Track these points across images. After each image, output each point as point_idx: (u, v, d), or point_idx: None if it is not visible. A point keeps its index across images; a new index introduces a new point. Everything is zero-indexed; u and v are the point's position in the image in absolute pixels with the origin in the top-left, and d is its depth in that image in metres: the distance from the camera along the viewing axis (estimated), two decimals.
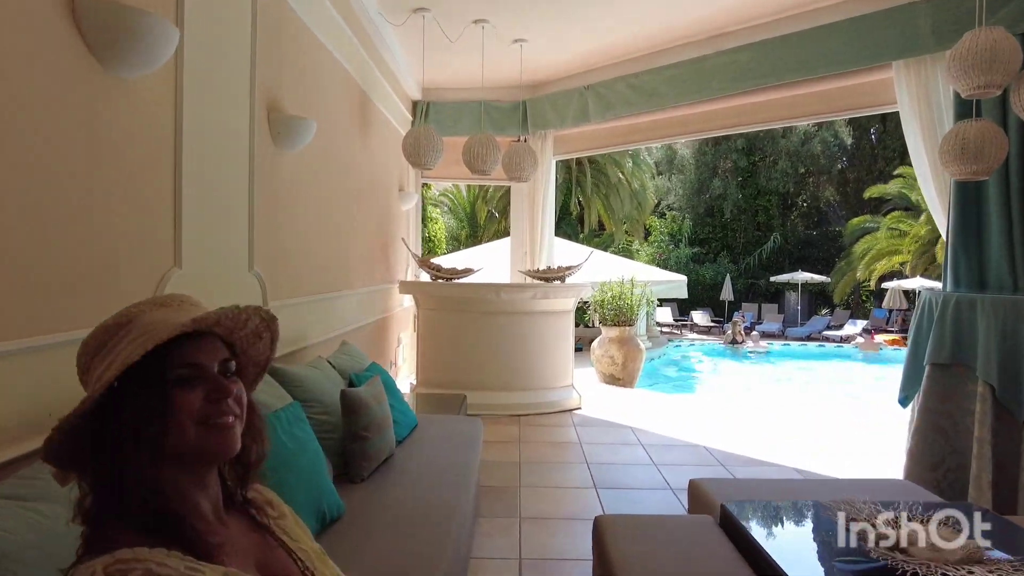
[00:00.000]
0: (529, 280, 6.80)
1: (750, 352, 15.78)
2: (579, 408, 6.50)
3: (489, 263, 11.00)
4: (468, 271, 6.52)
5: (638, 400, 7.28)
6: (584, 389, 6.91)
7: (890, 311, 24.27)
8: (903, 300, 22.74)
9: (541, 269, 6.83)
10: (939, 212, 4.41)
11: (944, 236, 4.22)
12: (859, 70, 4.94)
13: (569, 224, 24.42)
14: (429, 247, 17.61)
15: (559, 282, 6.56)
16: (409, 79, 6.94)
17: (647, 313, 12.06)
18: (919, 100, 4.44)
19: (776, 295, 28.37)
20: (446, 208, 23.81)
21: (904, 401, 4.22)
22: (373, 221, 5.84)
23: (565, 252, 11.31)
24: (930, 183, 4.41)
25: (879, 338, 17.15)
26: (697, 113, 6.46)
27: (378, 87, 5.75)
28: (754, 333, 16.51)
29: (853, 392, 11.46)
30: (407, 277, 7.18)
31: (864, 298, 27.36)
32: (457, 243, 23.47)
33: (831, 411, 7.28)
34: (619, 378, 8.65)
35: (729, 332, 15.91)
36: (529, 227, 7.78)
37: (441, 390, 5.97)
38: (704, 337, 21.72)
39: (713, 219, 29.62)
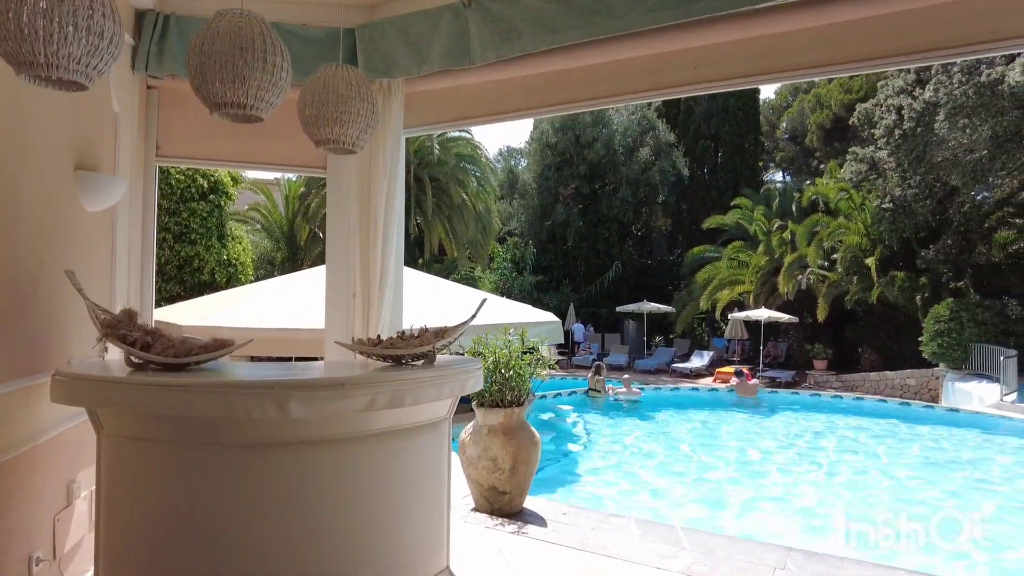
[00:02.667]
0: (359, 359, 3.36)
1: (622, 400, 13.33)
2: None
3: (308, 302, 7.30)
4: (223, 345, 2.83)
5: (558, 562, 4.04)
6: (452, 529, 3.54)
7: (729, 341, 23.54)
8: (744, 331, 21.93)
9: (384, 339, 3.31)
10: None
11: None
12: None
13: (407, 249, 20.92)
14: (229, 274, 13.25)
15: (422, 362, 3.18)
16: None
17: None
18: None
19: (615, 324, 26.87)
20: (258, 225, 19.28)
21: None
22: None
23: (422, 293, 7.86)
24: None
25: (753, 379, 15.53)
26: (676, 52, 3.45)
27: None
28: (625, 377, 14.12)
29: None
30: (94, 356, 3.26)
31: (698, 327, 26.65)
32: (271, 267, 19.00)
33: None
34: (504, 492, 5.34)
35: (595, 377, 13.35)
36: (360, 254, 4.30)
37: None
38: (557, 372, 19.14)
39: (556, 246, 27.61)
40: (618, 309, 23.77)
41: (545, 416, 10.35)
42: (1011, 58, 13.68)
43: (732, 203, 24.21)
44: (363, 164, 4.27)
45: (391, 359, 3.16)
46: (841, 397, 14.27)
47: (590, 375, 13.45)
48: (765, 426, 12.03)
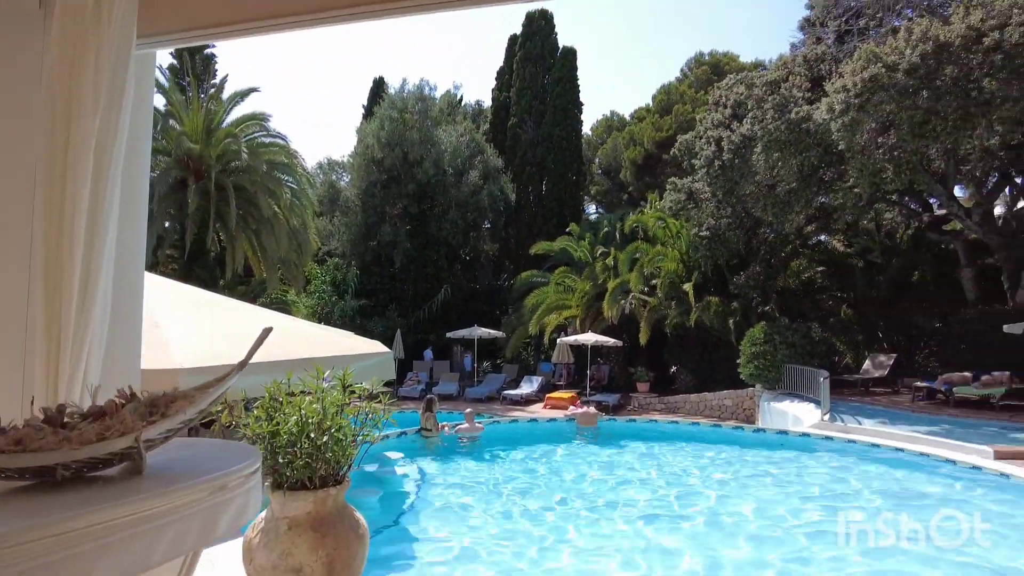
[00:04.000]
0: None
1: (463, 438, 11.71)
2: None
3: None
4: None
5: None
6: None
7: (555, 365, 23.10)
8: (570, 355, 21.56)
9: (72, 411, 1.44)
10: None
11: None
12: None
13: (204, 266, 17.80)
14: None
15: (118, 468, 1.40)
16: None
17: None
18: None
19: (443, 351, 25.45)
20: None
21: None
22: None
23: (200, 321, 5.66)
24: None
25: (589, 407, 14.73)
26: None
27: None
28: (468, 411, 12.51)
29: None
30: None
31: (524, 351, 26.08)
32: None
33: None
34: None
35: (426, 414, 11.61)
36: (45, 248, 2.34)
37: None
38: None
39: (381, 268, 25.61)
40: (449, 335, 22.33)
41: (369, 468, 8.41)
42: (816, 98, 14.56)
43: (565, 229, 24.08)
44: (60, 96, 2.36)
45: (27, 473, 1.35)
46: (677, 423, 14.06)
47: (421, 411, 11.75)
48: (614, 459, 11.17)
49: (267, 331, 1.78)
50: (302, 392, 3.93)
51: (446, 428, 11.94)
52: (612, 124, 42.52)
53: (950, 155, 14.45)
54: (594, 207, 40.32)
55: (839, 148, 13.12)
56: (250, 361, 1.82)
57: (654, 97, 36.04)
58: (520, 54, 28.02)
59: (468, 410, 12.46)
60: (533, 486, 8.94)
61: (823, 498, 8.39)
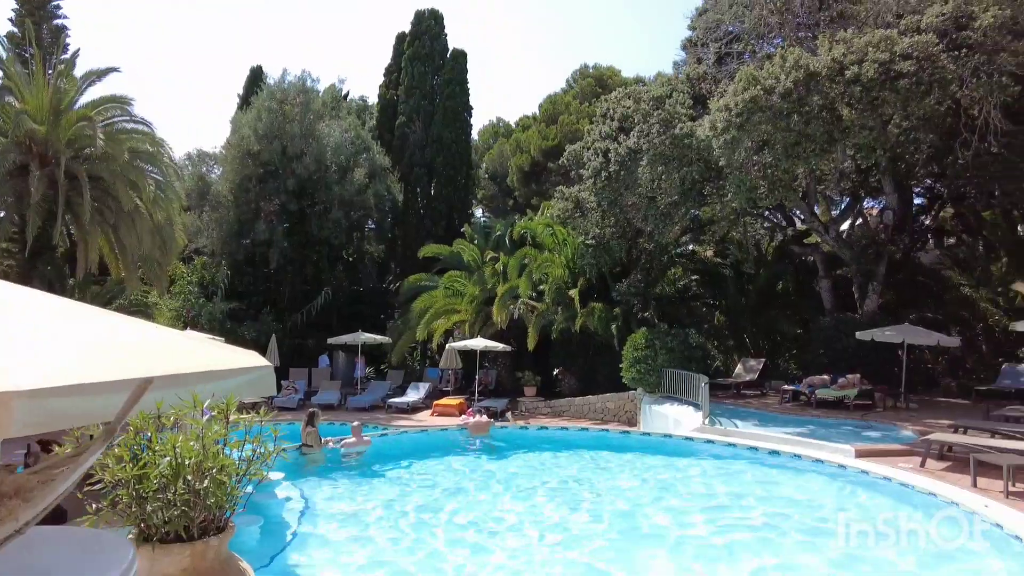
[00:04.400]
0: None
1: (350, 454, 10.89)
2: None
3: None
4: None
5: None
6: None
7: (443, 371, 22.65)
8: (458, 360, 21.20)
9: None
10: None
11: None
12: None
13: (51, 264, 15.74)
14: None
15: None
16: None
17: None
18: None
19: (323, 357, 24.25)
20: None
21: None
22: None
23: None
24: None
25: (480, 416, 14.38)
26: None
27: None
28: (355, 424, 11.65)
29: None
30: None
31: (409, 357, 25.43)
32: None
33: None
34: None
35: (308, 429, 10.71)
36: None
37: None
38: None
39: (255, 268, 23.97)
40: (330, 341, 21.21)
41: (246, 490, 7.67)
42: (699, 116, 15.23)
43: (451, 232, 23.72)
44: None
45: None
46: (567, 428, 14.09)
47: (302, 426, 10.87)
48: (509, 469, 10.93)
49: (146, 383, 1.31)
50: (175, 421, 3.33)
51: (330, 443, 11.15)
52: (499, 130, 42.72)
53: (812, 175, 15.65)
54: (481, 211, 40.28)
55: (720, 164, 13.77)
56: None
57: (540, 106, 36.54)
58: (409, 52, 27.36)
59: (356, 423, 11.71)
60: (430, 504, 8.48)
61: (717, 500, 8.66)
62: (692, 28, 18.25)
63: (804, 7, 14.48)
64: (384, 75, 29.12)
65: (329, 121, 23.88)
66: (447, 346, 20.49)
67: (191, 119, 60.16)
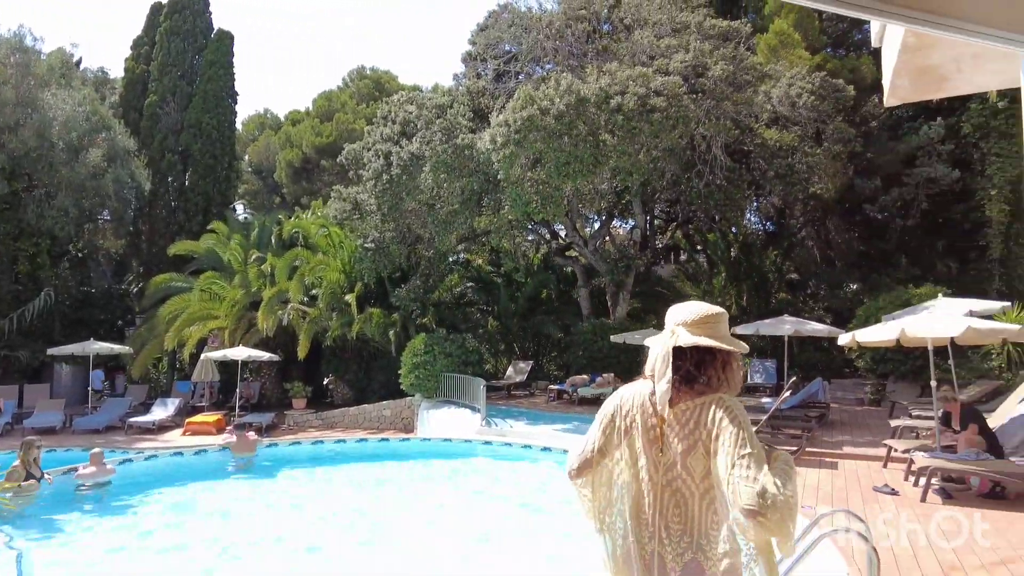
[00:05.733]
0: None
1: (85, 486, 8.89)
2: None
3: None
4: None
5: None
6: None
7: (196, 384, 20.21)
8: (215, 372, 19.08)
9: None
10: None
11: None
12: None
13: None
14: None
15: None
16: None
17: None
18: None
19: (39, 371, 20.27)
20: None
21: None
22: None
23: None
24: None
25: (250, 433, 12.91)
26: None
27: None
28: (96, 450, 9.51)
29: None
30: None
31: (156, 369, 22.39)
32: None
33: None
34: None
35: (17, 468, 8.53)
36: None
37: None
38: None
39: None
40: (51, 352, 17.68)
41: None
42: (479, 128, 15.64)
43: (208, 228, 21.29)
44: None
45: None
46: (344, 440, 13.36)
47: (19, 455, 8.71)
48: (281, 491, 9.99)
49: None
50: None
51: (48, 477, 9.11)
52: (266, 122, 39.85)
53: (576, 193, 17.05)
54: (243, 207, 37.09)
55: (498, 177, 14.31)
56: None
57: (315, 101, 34.92)
58: (166, 25, 24.15)
59: (96, 449, 9.74)
60: (190, 543, 7.38)
61: (507, 500, 8.87)
62: (473, 43, 18.77)
63: (576, 38, 15.73)
64: (132, 47, 25.30)
65: (57, 90, 20.02)
66: (202, 356, 18.30)
67: None
